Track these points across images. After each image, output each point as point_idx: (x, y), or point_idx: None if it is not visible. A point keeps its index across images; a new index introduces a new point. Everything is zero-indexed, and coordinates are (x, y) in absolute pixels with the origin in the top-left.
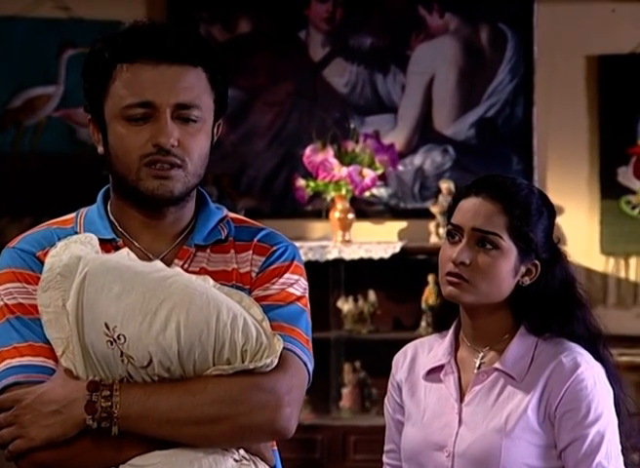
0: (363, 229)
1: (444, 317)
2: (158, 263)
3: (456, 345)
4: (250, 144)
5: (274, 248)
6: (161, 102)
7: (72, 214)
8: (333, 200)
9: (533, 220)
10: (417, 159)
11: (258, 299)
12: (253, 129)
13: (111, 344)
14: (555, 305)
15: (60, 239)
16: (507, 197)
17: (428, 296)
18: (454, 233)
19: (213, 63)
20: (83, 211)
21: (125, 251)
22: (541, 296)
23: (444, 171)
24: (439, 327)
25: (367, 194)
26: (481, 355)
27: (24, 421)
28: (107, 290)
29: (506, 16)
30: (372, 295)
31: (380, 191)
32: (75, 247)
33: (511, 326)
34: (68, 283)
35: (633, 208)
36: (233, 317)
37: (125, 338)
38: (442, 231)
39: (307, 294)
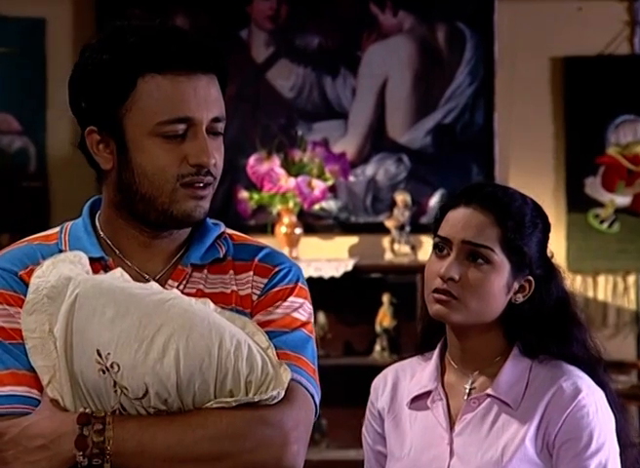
0: (311, 245)
1: (427, 337)
2: (154, 285)
3: (442, 369)
4: None
5: (277, 268)
6: (200, 118)
7: (56, 229)
8: (279, 214)
9: (527, 233)
10: (369, 169)
11: (260, 325)
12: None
13: (103, 373)
14: (551, 325)
15: (44, 257)
16: (500, 207)
17: (383, 318)
18: (441, 246)
19: (224, 74)
20: (67, 225)
21: (118, 271)
22: (536, 315)
23: (398, 181)
24: (421, 348)
25: (316, 207)
26: (471, 380)
27: (7, 457)
28: (100, 314)
29: (465, 14)
30: (321, 318)
31: (330, 204)
32: (64, 266)
33: (503, 347)
34: (56, 306)
35: (602, 222)
36: (237, 344)
37: (119, 367)
38: (397, 247)
39: (313, 320)
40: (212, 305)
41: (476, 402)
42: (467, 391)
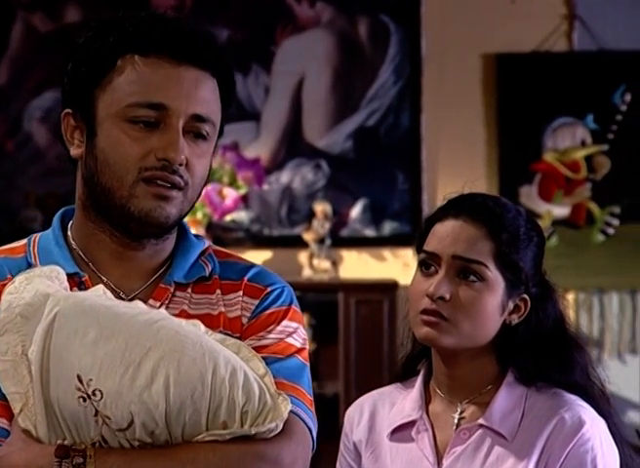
0: None
1: (411, 364)
2: (140, 304)
3: (426, 397)
4: None
5: (269, 289)
6: (177, 108)
7: (23, 241)
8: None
9: (522, 247)
10: (284, 176)
11: None
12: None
13: (84, 401)
14: (551, 349)
15: (11, 271)
16: (493, 219)
17: None
18: (428, 263)
19: (228, 79)
20: (36, 236)
21: (100, 288)
22: (533, 338)
23: (316, 190)
24: (402, 375)
25: (227, 218)
26: (459, 409)
27: None
28: (82, 335)
29: (389, 6)
30: None
31: (240, 215)
32: (40, 282)
33: (495, 374)
34: (31, 326)
35: None
36: (232, 371)
37: (102, 394)
38: (317, 262)
39: (307, 346)
40: (202, 327)
41: (467, 433)
42: (456, 421)
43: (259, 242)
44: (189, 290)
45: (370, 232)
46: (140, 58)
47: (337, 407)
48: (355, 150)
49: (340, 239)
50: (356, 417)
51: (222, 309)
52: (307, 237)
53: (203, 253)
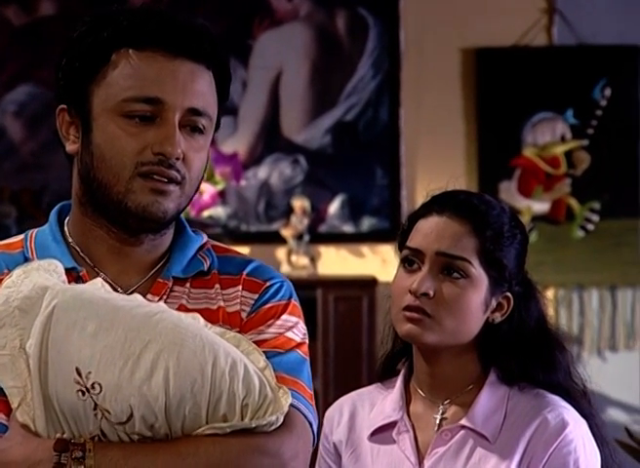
0: None
1: (392, 363)
2: (139, 297)
3: (407, 398)
4: (55, 153)
5: (268, 283)
6: (173, 102)
7: (19, 237)
8: None
9: (506, 244)
10: (261, 171)
11: None
12: (58, 134)
13: (83, 395)
14: (534, 349)
15: (8, 266)
16: (477, 216)
17: None
18: (411, 259)
19: (224, 72)
20: (32, 232)
21: (99, 281)
22: (516, 337)
23: (294, 185)
24: (382, 375)
25: (205, 214)
26: (441, 409)
27: None
28: (80, 328)
29: None
30: None
31: (217, 211)
32: (38, 275)
33: (477, 373)
34: (29, 319)
35: None
36: (232, 364)
37: (101, 387)
38: (295, 258)
39: (307, 341)
40: (202, 321)
41: (448, 434)
42: (438, 422)
43: (236, 238)
44: (188, 284)
45: (348, 228)
46: (135, 53)
47: (315, 403)
48: (333, 145)
49: (318, 235)
50: (336, 418)
51: (222, 304)
52: (285, 233)
53: (201, 247)
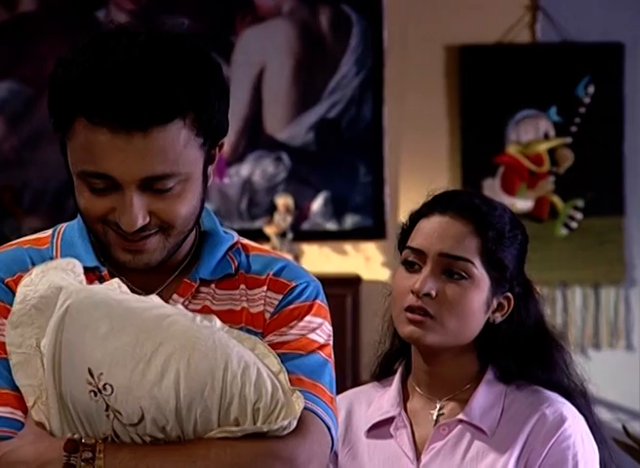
0: None
1: (390, 362)
2: (155, 298)
3: (404, 395)
4: (37, 150)
5: (293, 283)
6: (123, 178)
7: (48, 232)
8: None
9: (507, 245)
10: (244, 169)
11: (272, 346)
12: (40, 131)
13: (95, 395)
14: (533, 348)
15: (34, 263)
16: (480, 216)
17: None
18: (413, 260)
19: (198, 101)
20: (61, 227)
21: (115, 281)
22: (515, 337)
23: (277, 183)
24: (380, 374)
25: None
26: (438, 406)
27: None
28: (93, 329)
29: None
30: None
31: None
32: (55, 274)
33: (476, 372)
34: (45, 318)
35: None
36: (245, 367)
37: (112, 389)
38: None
39: (332, 342)
40: (218, 323)
41: (446, 429)
42: (435, 417)
43: None
44: (213, 285)
45: (331, 226)
46: (87, 124)
47: None
48: (317, 142)
49: (301, 233)
50: None
51: (245, 304)
52: (269, 231)
53: (231, 247)
